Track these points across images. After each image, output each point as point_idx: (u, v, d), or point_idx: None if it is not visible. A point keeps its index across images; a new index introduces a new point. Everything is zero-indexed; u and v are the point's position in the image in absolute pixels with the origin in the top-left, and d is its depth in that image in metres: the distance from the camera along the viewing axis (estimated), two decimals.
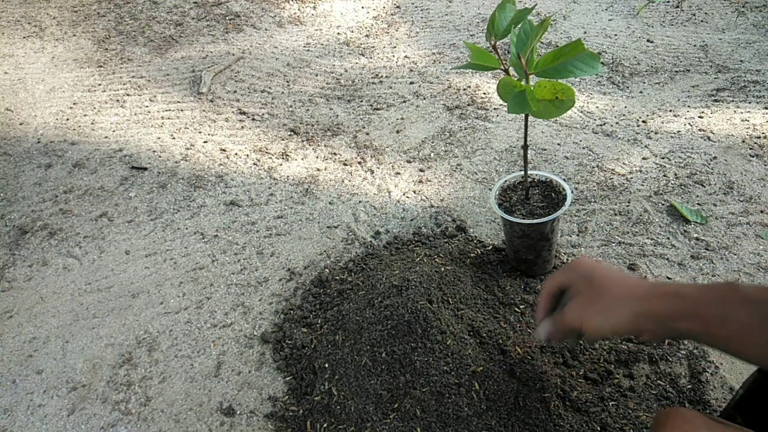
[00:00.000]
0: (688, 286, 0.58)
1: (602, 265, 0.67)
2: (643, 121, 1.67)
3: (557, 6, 2.46)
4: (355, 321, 0.98)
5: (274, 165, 1.61)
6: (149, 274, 1.29)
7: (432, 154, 1.61)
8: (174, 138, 1.75)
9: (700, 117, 1.66)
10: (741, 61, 1.92)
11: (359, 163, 1.60)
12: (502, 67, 0.91)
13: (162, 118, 1.86)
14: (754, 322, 0.50)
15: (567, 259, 1.24)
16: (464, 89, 1.90)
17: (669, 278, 1.17)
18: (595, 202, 1.39)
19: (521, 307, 1.07)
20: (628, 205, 1.37)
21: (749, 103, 1.70)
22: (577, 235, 1.30)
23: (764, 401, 0.67)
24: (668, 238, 1.26)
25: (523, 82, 0.88)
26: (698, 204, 1.35)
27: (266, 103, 1.91)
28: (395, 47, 2.23)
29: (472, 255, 1.20)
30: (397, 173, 1.54)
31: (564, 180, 1.30)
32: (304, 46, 2.28)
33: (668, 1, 2.41)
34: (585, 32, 2.23)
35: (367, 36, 2.35)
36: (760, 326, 0.49)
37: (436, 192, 1.47)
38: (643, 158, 1.52)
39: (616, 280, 0.64)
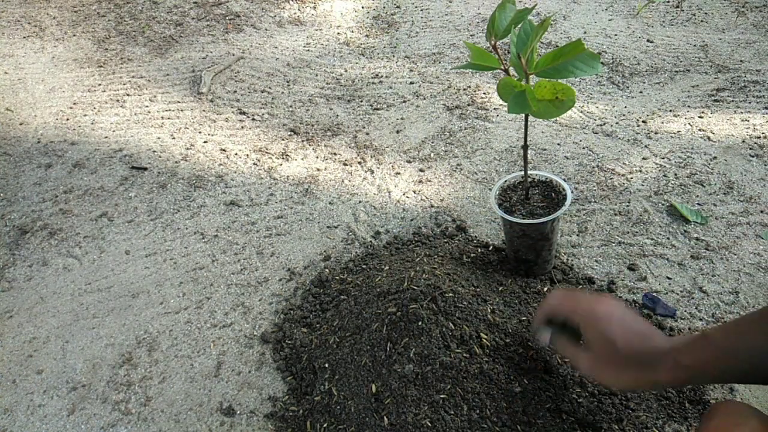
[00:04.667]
0: (687, 351, 0.63)
1: (618, 318, 0.70)
2: (643, 121, 1.67)
3: (557, 6, 2.46)
4: (355, 321, 0.98)
5: (274, 165, 1.61)
6: (149, 274, 1.29)
7: (432, 154, 1.61)
8: (174, 138, 1.75)
9: (700, 117, 1.66)
10: (741, 61, 1.92)
11: (359, 163, 1.60)
12: (502, 67, 0.91)
13: (162, 118, 1.86)
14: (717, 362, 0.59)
15: (567, 259, 1.24)
16: (464, 89, 1.90)
17: (669, 278, 1.17)
18: (595, 202, 1.39)
19: (522, 307, 1.07)
20: (628, 205, 1.37)
21: (749, 103, 1.70)
22: (577, 235, 1.30)
23: None
24: (668, 238, 1.26)
25: (523, 82, 0.88)
26: (698, 204, 1.35)
27: (266, 103, 1.91)
28: (395, 47, 2.23)
29: (472, 255, 1.20)
30: (397, 173, 1.55)
31: (564, 180, 1.30)
32: (304, 46, 2.28)
33: (668, 1, 2.41)
34: (585, 32, 2.23)
35: (367, 36, 2.35)
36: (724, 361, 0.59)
37: (436, 192, 1.47)
38: (643, 158, 1.52)
39: (630, 344, 0.67)
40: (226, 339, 1.12)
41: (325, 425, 0.88)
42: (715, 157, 1.50)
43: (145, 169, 1.62)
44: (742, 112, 1.66)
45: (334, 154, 1.64)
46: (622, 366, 0.67)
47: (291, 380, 1.02)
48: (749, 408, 0.58)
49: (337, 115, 1.82)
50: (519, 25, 0.90)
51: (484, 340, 0.92)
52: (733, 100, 1.72)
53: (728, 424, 0.57)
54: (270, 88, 2.00)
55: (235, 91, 1.99)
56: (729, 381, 0.60)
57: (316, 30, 2.42)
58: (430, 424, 0.83)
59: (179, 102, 1.94)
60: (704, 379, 0.61)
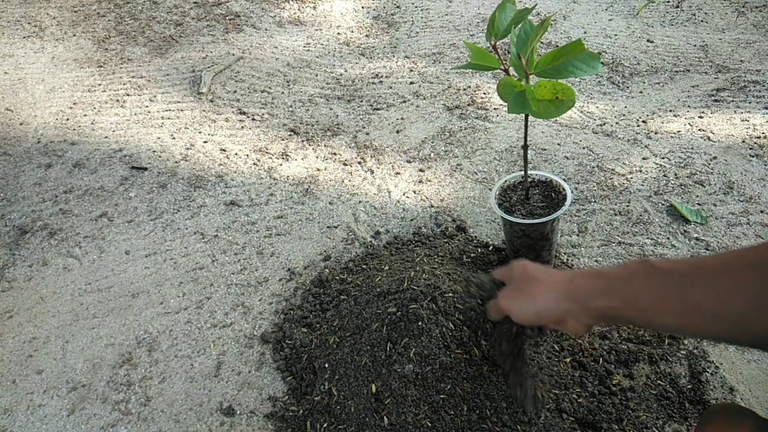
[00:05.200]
0: (606, 267, 0.61)
1: (536, 264, 0.71)
2: (643, 121, 1.67)
3: (557, 6, 2.46)
4: (355, 321, 0.98)
5: (274, 165, 1.61)
6: (149, 274, 1.29)
7: (432, 154, 1.61)
8: (174, 138, 1.75)
9: (700, 117, 1.66)
10: (741, 61, 1.92)
11: (359, 163, 1.60)
12: (502, 67, 0.91)
13: (162, 118, 1.86)
14: (667, 291, 0.52)
15: (567, 259, 1.24)
16: (464, 89, 1.90)
17: None
18: (595, 202, 1.39)
19: None
20: (628, 205, 1.37)
21: (749, 103, 1.70)
22: (577, 235, 1.30)
23: None
24: (668, 238, 1.26)
25: (523, 82, 0.88)
26: (698, 204, 1.35)
27: (266, 103, 1.91)
28: (395, 47, 2.23)
29: (472, 255, 1.20)
30: (397, 173, 1.54)
31: (564, 180, 1.30)
32: (304, 46, 2.28)
33: (668, 1, 2.41)
34: (585, 32, 2.23)
35: (367, 36, 2.35)
36: (675, 295, 0.51)
37: (436, 192, 1.47)
38: (643, 158, 1.52)
39: (543, 272, 0.68)
40: (226, 339, 1.12)
41: (325, 425, 0.88)
42: (715, 157, 1.50)
43: (145, 169, 1.62)
44: (742, 112, 1.66)
45: (334, 154, 1.64)
46: (533, 290, 0.66)
47: (291, 380, 1.02)
48: (745, 410, 0.58)
49: (337, 115, 1.82)
50: (519, 25, 0.90)
51: (485, 341, 0.92)
52: (733, 100, 1.72)
53: (725, 427, 0.56)
54: (270, 88, 2.00)
55: (235, 91, 1.99)
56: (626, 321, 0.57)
57: (316, 30, 2.42)
58: (430, 424, 0.83)
59: (179, 102, 1.94)
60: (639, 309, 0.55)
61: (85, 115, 1.89)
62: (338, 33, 2.38)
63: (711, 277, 0.50)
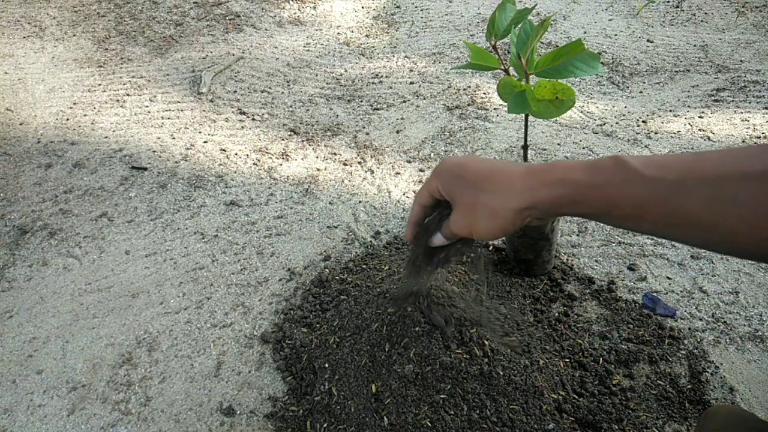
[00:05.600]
0: (571, 168, 0.51)
1: (472, 160, 0.59)
2: (643, 121, 1.67)
3: (557, 6, 2.46)
4: (355, 321, 0.98)
5: (274, 165, 1.61)
6: (149, 274, 1.29)
7: (432, 154, 1.61)
8: (174, 138, 1.75)
9: (700, 117, 1.66)
10: (741, 61, 1.92)
11: (359, 163, 1.60)
12: (502, 67, 0.91)
13: (162, 118, 1.86)
14: (650, 201, 0.46)
15: (567, 259, 1.24)
16: (464, 89, 1.90)
17: (669, 278, 1.17)
18: None
19: (522, 307, 1.07)
20: None
21: (749, 103, 1.70)
22: (577, 235, 1.30)
23: None
24: None
25: (523, 82, 0.88)
26: None
27: (266, 103, 1.91)
28: (395, 47, 2.23)
29: (472, 255, 1.20)
30: (397, 173, 1.54)
31: None
32: (304, 46, 2.28)
33: (668, 1, 2.41)
34: (585, 32, 2.23)
35: (367, 36, 2.34)
36: (657, 206, 0.46)
37: None
38: None
39: (490, 173, 0.56)
40: (226, 339, 1.12)
41: (325, 425, 0.88)
42: None
43: (145, 169, 1.62)
44: (742, 112, 1.66)
45: (334, 154, 1.64)
46: (489, 203, 0.55)
47: (291, 380, 1.02)
48: (744, 413, 0.58)
49: (337, 115, 1.82)
50: (519, 25, 0.90)
51: (485, 341, 0.92)
52: (733, 100, 1.72)
53: (723, 430, 0.56)
54: (270, 88, 2.00)
55: (235, 91, 1.99)
56: (635, 217, 0.48)
57: (316, 30, 2.42)
58: (430, 424, 0.83)
59: (179, 102, 1.94)
60: (615, 209, 0.48)
61: (85, 115, 1.89)
62: (338, 33, 2.38)
63: (703, 188, 0.43)
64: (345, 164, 1.59)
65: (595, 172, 0.48)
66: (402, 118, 1.78)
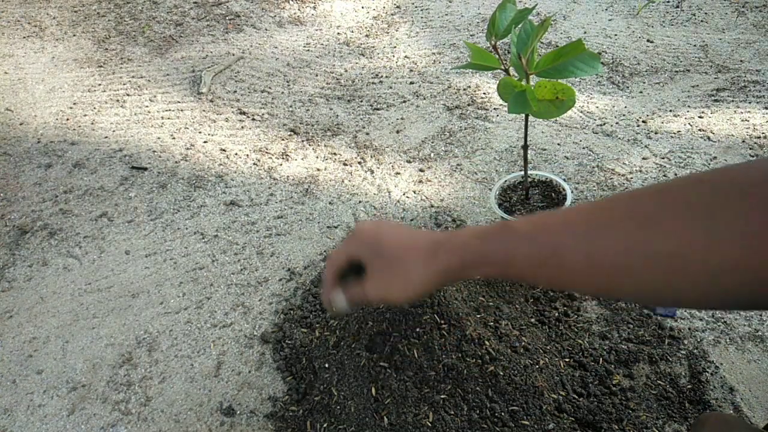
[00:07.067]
0: (468, 234, 0.55)
1: (387, 227, 0.63)
2: (643, 121, 1.67)
3: (557, 6, 2.46)
4: (354, 321, 0.98)
5: (274, 165, 1.61)
6: (149, 274, 1.29)
7: (432, 154, 1.61)
8: (174, 138, 1.75)
9: (700, 117, 1.66)
10: (741, 61, 1.92)
11: (359, 163, 1.60)
12: (503, 67, 0.91)
13: (162, 118, 1.86)
14: (531, 259, 0.49)
15: None
16: (464, 89, 1.90)
17: None
18: None
19: (522, 307, 1.07)
20: None
21: (749, 103, 1.70)
22: None
23: None
24: None
25: (523, 82, 0.88)
26: None
27: (266, 103, 1.91)
28: (395, 47, 2.23)
29: None
30: (397, 173, 1.55)
31: (564, 180, 1.30)
32: (304, 46, 2.28)
33: (668, 1, 2.41)
34: (585, 32, 2.23)
35: (367, 36, 2.34)
36: (539, 263, 0.48)
37: (436, 192, 1.47)
38: (643, 158, 1.52)
39: (404, 242, 0.60)
40: (226, 339, 1.12)
41: (325, 425, 0.88)
42: (715, 157, 1.50)
43: (145, 169, 1.62)
44: (742, 112, 1.66)
45: (334, 154, 1.64)
46: (404, 271, 0.58)
47: (291, 380, 1.02)
48: (734, 419, 0.57)
49: (337, 115, 1.82)
50: (519, 25, 0.90)
51: (485, 342, 0.92)
52: (733, 100, 1.72)
53: None
54: (270, 88, 2.00)
55: (235, 91, 1.99)
56: (532, 277, 0.51)
57: (316, 30, 2.42)
58: (430, 425, 0.83)
59: (179, 102, 1.94)
60: (499, 266, 0.51)
61: (85, 115, 1.89)
62: (338, 33, 2.38)
63: (577, 243, 0.45)
64: (345, 164, 1.59)
65: (488, 238, 0.53)
66: (402, 118, 1.78)
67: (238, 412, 0.99)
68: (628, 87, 1.85)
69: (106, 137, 1.78)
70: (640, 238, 0.41)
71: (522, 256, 0.49)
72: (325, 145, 1.68)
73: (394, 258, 0.59)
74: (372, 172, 1.56)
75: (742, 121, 1.62)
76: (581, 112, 1.75)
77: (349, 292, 0.65)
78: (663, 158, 1.51)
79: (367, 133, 1.72)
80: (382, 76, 2.03)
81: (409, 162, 1.59)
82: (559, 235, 0.47)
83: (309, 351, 1.03)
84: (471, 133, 1.69)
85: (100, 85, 2.06)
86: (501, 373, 0.88)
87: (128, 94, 2.00)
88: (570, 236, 0.46)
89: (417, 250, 0.58)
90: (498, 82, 0.90)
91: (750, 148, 1.51)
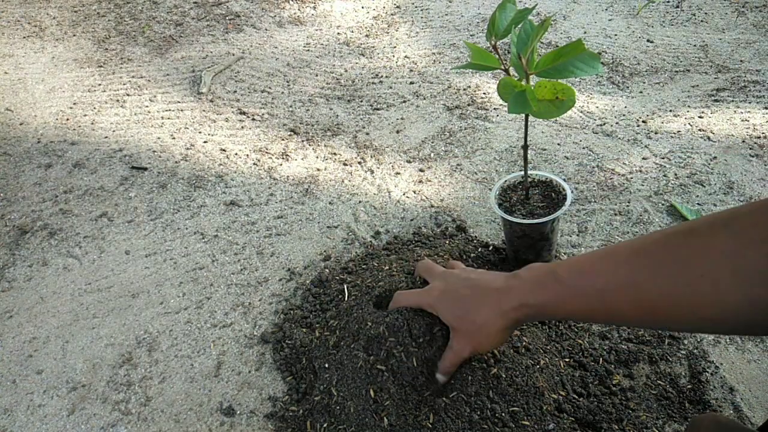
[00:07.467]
0: (526, 289, 0.66)
1: (452, 285, 0.77)
2: (643, 121, 1.67)
3: (557, 6, 2.46)
4: (354, 321, 0.98)
5: (274, 165, 1.61)
6: (149, 274, 1.29)
7: (432, 154, 1.61)
8: (174, 138, 1.75)
9: (700, 117, 1.66)
10: (741, 61, 1.92)
11: (359, 163, 1.60)
12: (502, 67, 0.91)
13: (162, 118, 1.86)
14: (585, 310, 0.59)
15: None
16: (464, 89, 1.90)
17: None
18: (595, 202, 1.39)
19: None
20: (628, 205, 1.37)
21: (749, 103, 1.70)
22: (577, 235, 1.30)
23: None
24: None
25: (523, 82, 0.88)
26: (698, 204, 1.35)
27: (266, 103, 1.91)
28: (395, 47, 2.23)
29: (472, 255, 1.20)
30: (397, 173, 1.55)
31: (564, 180, 1.30)
32: (304, 46, 2.28)
33: (668, 1, 2.41)
34: (585, 32, 2.23)
35: (367, 36, 2.34)
36: (591, 311, 0.58)
37: (436, 192, 1.47)
38: (643, 158, 1.52)
39: (472, 301, 0.72)
40: (226, 339, 1.12)
41: (325, 425, 0.88)
42: (715, 157, 1.50)
43: (145, 169, 1.62)
44: (742, 112, 1.66)
45: (334, 154, 1.64)
46: (482, 327, 0.71)
47: (291, 380, 1.02)
48: (729, 422, 0.57)
49: (337, 115, 1.82)
50: (519, 25, 0.90)
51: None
52: (733, 100, 1.72)
53: None
54: (270, 88, 2.00)
55: (235, 91, 1.99)
56: (585, 319, 0.62)
57: (316, 30, 2.42)
58: (430, 426, 0.83)
59: (179, 102, 1.94)
60: (556, 313, 0.63)
61: (85, 115, 1.89)
62: (338, 33, 2.38)
63: (624, 291, 0.54)
64: (345, 164, 1.59)
65: (540, 291, 0.64)
66: (402, 118, 1.78)
67: (238, 412, 0.99)
68: (628, 87, 1.85)
69: (106, 137, 1.78)
70: (680, 282, 0.48)
71: (573, 308, 0.59)
72: (325, 145, 1.68)
73: (470, 312, 0.72)
74: (372, 172, 1.56)
75: (742, 121, 1.62)
76: (581, 112, 1.75)
77: (443, 366, 0.81)
78: (663, 158, 1.51)
79: (367, 133, 1.72)
80: (382, 76, 2.03)
81: (409, 162, 1.59)
82: (605, 286, 0.55)
83: (309, 351, 1.03)
84: (471, 133, 1.69)
85: (100, 85, 2.06)
86: (503, 375, 0.88)
87: (128, 94, 2.00)
88: (614, 286, 0.54)
89: (491, 307, 0.69)
90: (498, 82, 0.90)
91: (750, 148, 1.51)
